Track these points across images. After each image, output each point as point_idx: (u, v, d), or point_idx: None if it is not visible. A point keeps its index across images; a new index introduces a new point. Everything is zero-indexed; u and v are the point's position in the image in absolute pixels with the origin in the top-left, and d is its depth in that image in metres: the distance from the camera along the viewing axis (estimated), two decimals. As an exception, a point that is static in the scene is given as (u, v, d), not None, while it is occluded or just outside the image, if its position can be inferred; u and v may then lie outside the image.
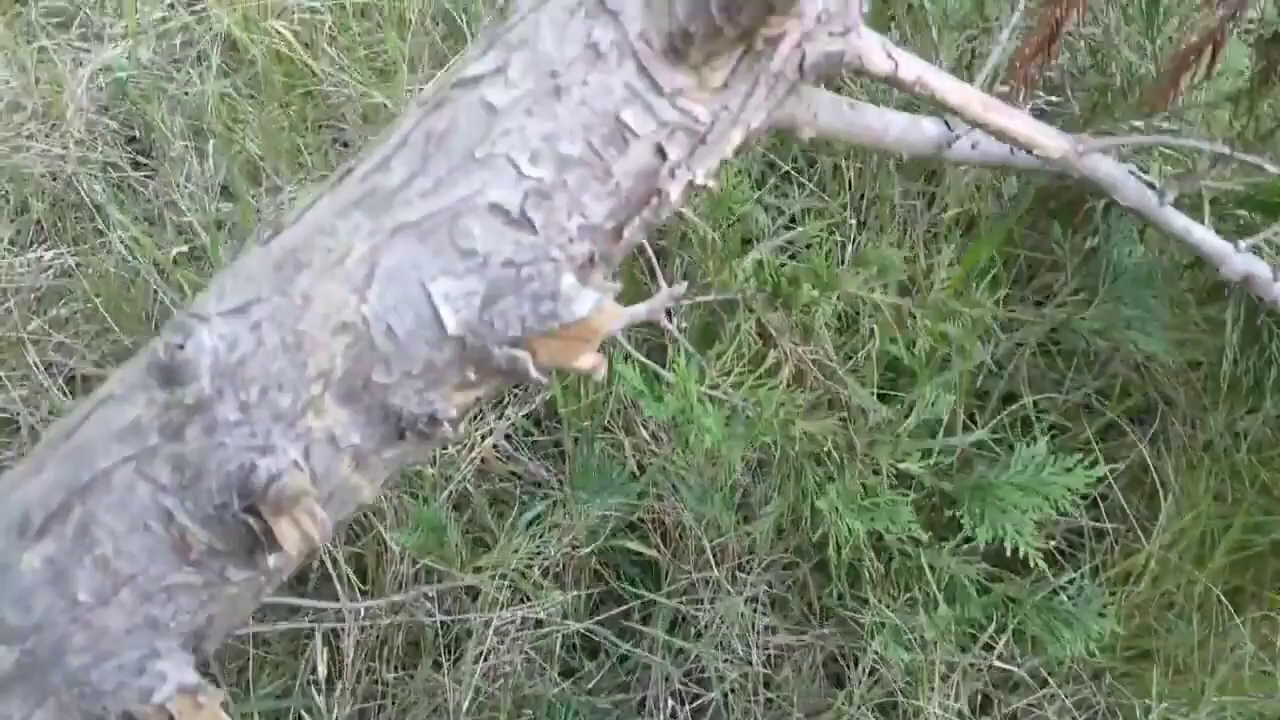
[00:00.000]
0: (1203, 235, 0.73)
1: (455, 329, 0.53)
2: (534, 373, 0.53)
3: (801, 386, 1.06)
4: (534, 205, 0.53)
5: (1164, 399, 1.20)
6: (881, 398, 1.11)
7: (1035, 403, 1.17)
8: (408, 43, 1.43)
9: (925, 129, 0.74)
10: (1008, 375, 1.18)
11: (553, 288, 0.52)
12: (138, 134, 1.57)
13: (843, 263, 1.10)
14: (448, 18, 1.41)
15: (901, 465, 0.89)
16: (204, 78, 1.56)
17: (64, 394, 1.23)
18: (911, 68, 0.59)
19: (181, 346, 0.52)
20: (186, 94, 1.57)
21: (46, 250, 1.40)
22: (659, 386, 0.87)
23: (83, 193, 1.48)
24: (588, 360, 0.54)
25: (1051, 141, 0.64)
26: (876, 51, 0.59)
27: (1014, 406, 1.15)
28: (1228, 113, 0.65)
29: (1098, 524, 1.18)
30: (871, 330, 1.04)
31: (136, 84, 1.55)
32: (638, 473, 1.17)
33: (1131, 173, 0.69)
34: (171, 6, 1.65)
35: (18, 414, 1.22)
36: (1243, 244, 0.74)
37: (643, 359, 0.95)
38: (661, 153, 0.53)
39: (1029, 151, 0.64)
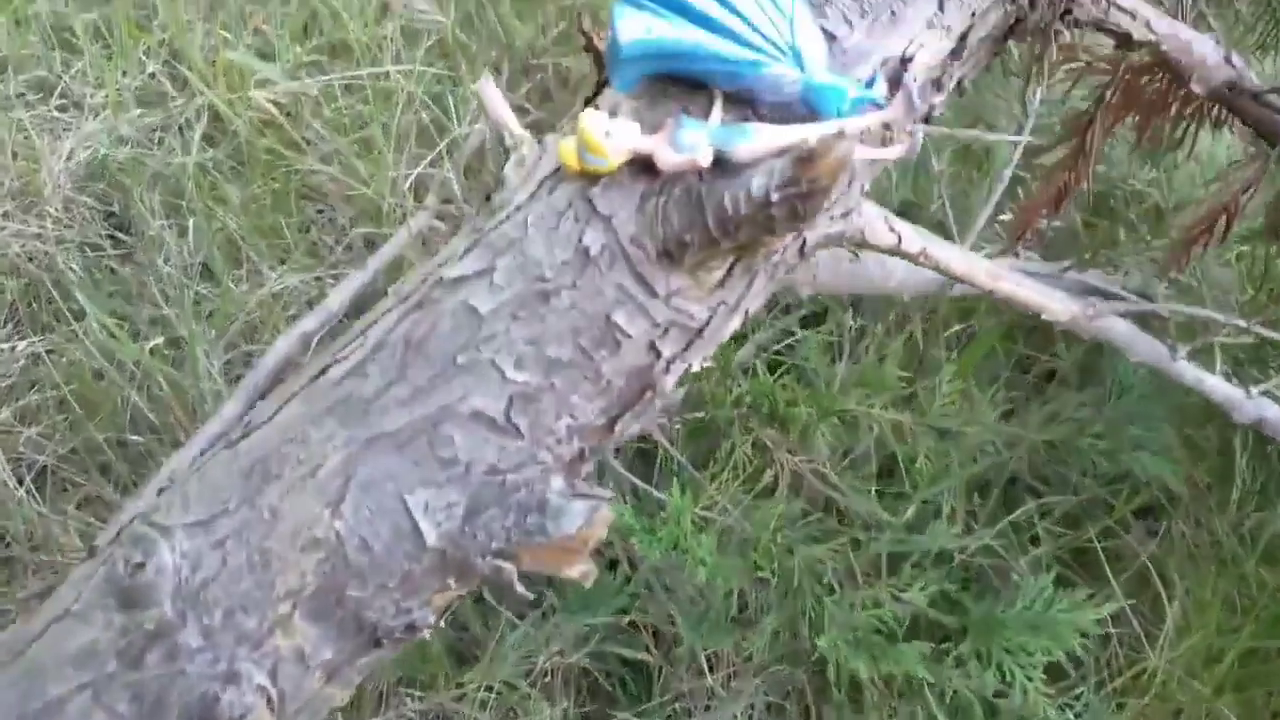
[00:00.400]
0: (1215, 384, 0.70)
1: (435, 541, 0.49)
2: (519, 587, 0.50)
3: (798, 495, 1.03)
4: (519, 410, 0.49)
5: (1169, 497, 1.18)
6: (880, 494, 1.08)
7: (1039, 500, 1.14)
8: (395, 121, 1.40)
9: (926, 272, 0.71)
10: (1010, 465, 1.15)
11: (539, 498, 0.49)
12: (117, 210, 1.53)
13: (838, 358, 1.07)
14: (438, 99, 1.38)
15: (904, 595, 0.85)
16: (187, 149, 1.53)
17: (34, 498, 1.19)
18: (914, 240, 0.57)
19: (142, 565, 0.48)
20: (168, 165, 1.53)
21: (19, 338, 1.36)
22: (650, 519, 0.84)
23: (59, 274, 1.44)
24: (577, 569, 0.51)
25: (1060, 306, 0.61)
26: (879, 226, 0.56)
27: (1017, 513, 1.11)
28: (1240, 270, 0.62)
29: (1103, 630, 1.14)
30: (870, 428, 1.01)
31: (115, 158, 1.51)
32: (630, 571, 1.14)
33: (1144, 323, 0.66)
34: (152, 76, 1.62)
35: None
36: (1254, 390, 0.71)
37: (634, 479, 0.92)
38: (655, 350, 0.50)
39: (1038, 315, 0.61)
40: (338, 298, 1.26)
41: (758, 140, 0.44)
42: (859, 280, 0.65)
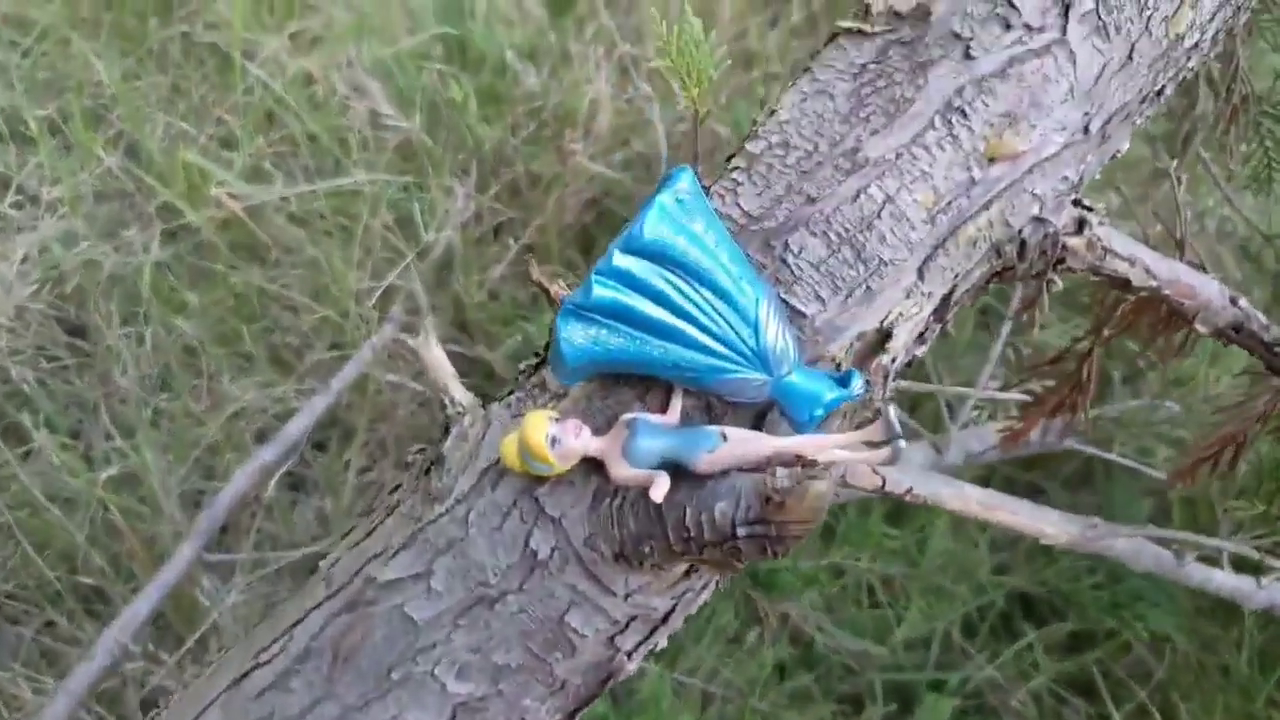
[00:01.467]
0: (1223, 581, 0.66)
1: None
2: None
3: (785, 642, 0.97)
4: (464, 722, 0.44)
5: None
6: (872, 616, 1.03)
7: (1039, 629, 1.09)
8: (359, 227, 1.34)
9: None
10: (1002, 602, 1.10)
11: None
12: (73, 314, 1.48)
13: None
14: (403, 204, 1.33)
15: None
16: (146, 248, 1.47)
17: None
18: (900, 481, 0.52)
19: None
20: (126, 266, 1.47)
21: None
22: (625, 714, 0.78)
23: (13, 386, 1.38)
24: None
25: (1058, 529, 0.56)
26: (860, 470, 0.51)
27: (1017, 644, 1.06)
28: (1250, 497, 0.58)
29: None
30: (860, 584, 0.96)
31: (71, 260, 1.45)
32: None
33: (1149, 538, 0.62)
34: (110, 174, 1.56)
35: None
36: (1264, 581, 0.67)
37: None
38: (615, 645, 0.45)
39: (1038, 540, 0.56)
40: (298, 425, 1.21)
41: (721, 453, 0.39)
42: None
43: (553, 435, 0.40)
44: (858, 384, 0.39)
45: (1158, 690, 1.12)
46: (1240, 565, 0.72)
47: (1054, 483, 1.09)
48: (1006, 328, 0.75)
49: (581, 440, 0.40)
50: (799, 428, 0.39)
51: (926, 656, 1.11)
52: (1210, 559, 0.66)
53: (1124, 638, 1.09)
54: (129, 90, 1.60)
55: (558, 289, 0.48)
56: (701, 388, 0.40)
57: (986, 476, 0.99)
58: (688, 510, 0.39)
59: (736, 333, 0.38)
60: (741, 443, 0.39)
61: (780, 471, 0.36)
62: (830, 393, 0.39)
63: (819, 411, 0.39)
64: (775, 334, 0.38)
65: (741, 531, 0.37)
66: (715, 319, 0.38)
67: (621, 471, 0.39)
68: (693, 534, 0.39)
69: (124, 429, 1.31)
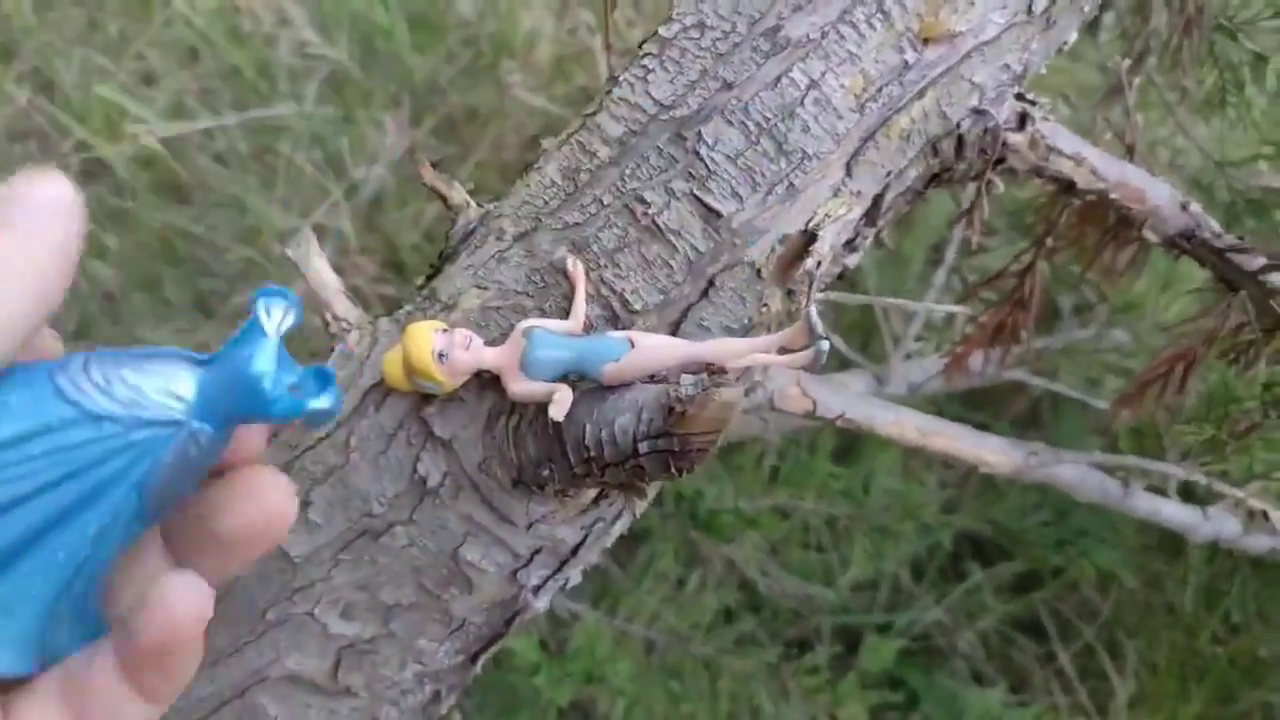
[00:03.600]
0: (1171, 512, 0.64)
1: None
2: None
3: (729, 585, 0.95)
4: (351, 666, 0.40)
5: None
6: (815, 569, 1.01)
7: (987, 569, 1.08)
8: (285, 164, 1.28)
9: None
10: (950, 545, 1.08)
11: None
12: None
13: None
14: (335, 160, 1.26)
15: (842, 714, 0.78)
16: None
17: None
18: (832, 403, 0.48)
19: None
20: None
21: None
22: (560, 654, 0.75)
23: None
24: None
25: (1000, 458, 0.54)
26: (791, 392, 0.47)
27: (960, 587, 1.05)
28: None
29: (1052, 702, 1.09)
30: (804, 525, 0.93)
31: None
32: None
33: (1096, 466, 0.59)
34: (23, 112, 1.47)
35: None
36: (1210, 511, 0.65)
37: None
38: (518, 581, 0.41)
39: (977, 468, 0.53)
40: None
41: (628, 362, 0.35)
42: (776, 420, 0.56)
43: (439, 348, 0.35)
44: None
45: (1104, 629, 1.12)
46: (1189, 498, 0.70)
47: (1002, 423, 1.07)
48: (952, 251, 0.72)
49: (472, 352, 0.35)
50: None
51: (875, 599, 1.10)
52: (1158, 490, 0.64)
53: (1071, 576, 1.08)
54: (41, 24, 1.50)
55: (458, 195, 0.44)
56: None
57: (934, 415, 0.97)
58: (588, 427, 0.35)
59: None
60: (649, 350, 0.35)
61: (686, 379, 0.32)
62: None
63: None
64: None
65: (643, 447, 0.33)
66: None
67: (518, 386, 0.35)
68: (593, 453, 0.35)
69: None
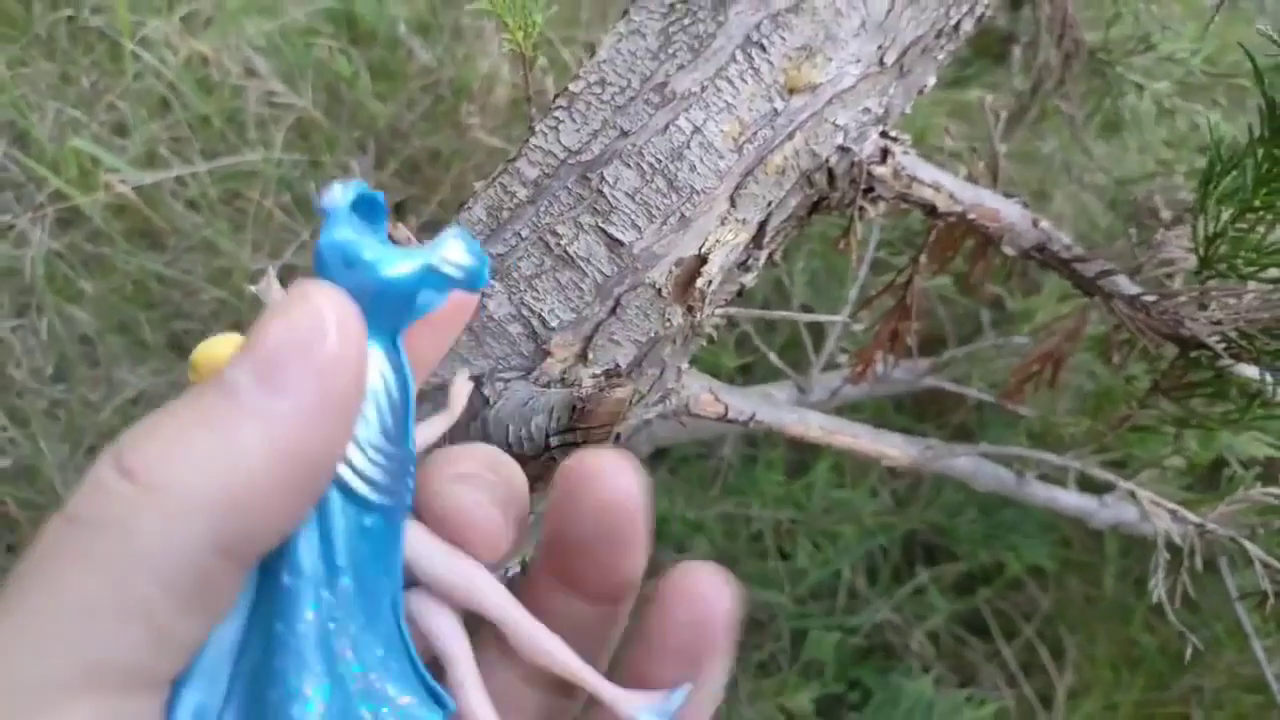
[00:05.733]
0: (1068, 500, 0.70)
1: None
2: None
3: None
4: None
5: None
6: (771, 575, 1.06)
7: (930, 569, 1.14)
8: (254, 209, 1.33)
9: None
10: (897, 546, 1.15)
11: None
12: (-37, 307, 1.44)
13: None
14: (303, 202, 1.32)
15: (790, 704, 0.83)
16: (38, 239, 1.44)
17: None
18: (743, 407, 0.54)
19: None
20: (18, 256, 1.44)
21: None
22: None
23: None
24: None
25: (897, 451, 0.60)
26: (704, 398, 0.53)
27: (908, 585, 1.11)
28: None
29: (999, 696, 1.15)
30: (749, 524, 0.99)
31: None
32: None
33: (985, 455, 0.65)
34: (2, 165, 1.52)
35: None
36: (1108, 499, 0.71)
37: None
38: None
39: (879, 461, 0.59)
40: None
41: None
42: (699, 427, 0.62)
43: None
44: None
45: (1048, 624, 1.18)
46: (1093, 489, 0.76)
47: (942, 432, 1.13)
48: (864, 269, 0.78)
49: None
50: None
51: (833, 605, 1.15)
52: (1059, 482, 0.70)
53: (1012, 574, 1.14)
54: (15, 78, 1.56)
55: (402, 234, 0.49)
56: None
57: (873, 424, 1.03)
58: (510, 428, 0.41)
59: None
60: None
61: (586, 381, 0.38)
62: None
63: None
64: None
65: (554, 441, 0.39)
66: None
67: None
68: (515, 451, 0.41)
69: (19, 421, 1.29)
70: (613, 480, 0.28)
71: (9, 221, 1.49)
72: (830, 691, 0.91)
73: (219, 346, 0.29)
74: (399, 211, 1.42)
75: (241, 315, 1.31)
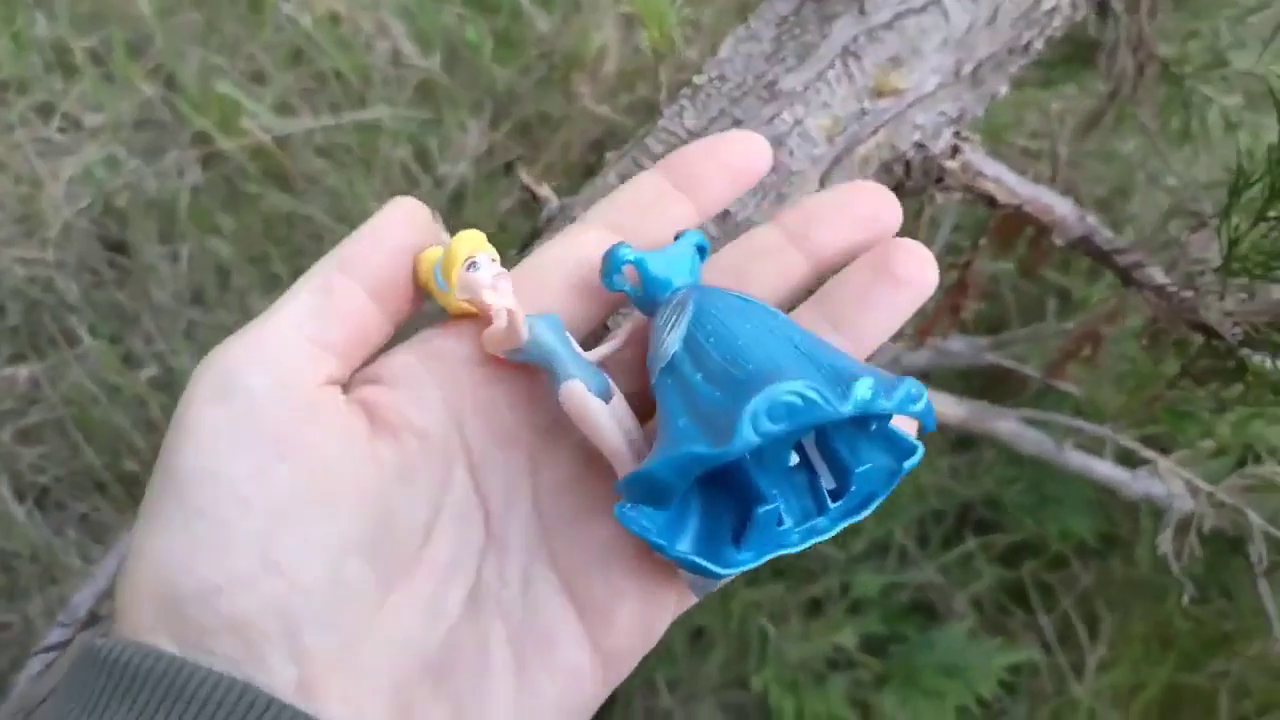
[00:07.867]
0: (1102, 470, 0.77)
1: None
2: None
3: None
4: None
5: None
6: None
7: (980, 538, 1.21)
8: (379, 158, 1.46)
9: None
10: (952, 510, 1.22)
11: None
12: (115, 232, 1.60)
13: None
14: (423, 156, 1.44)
15: (835, 639, 0.93)
16: (183, 174, 1.59)
17: (35, 518, 1.27)
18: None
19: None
20: (165, 188, 1.60)
21: (21, 361, 1.43)
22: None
23: (59, 296, 1.51)
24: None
25: (948, 409, 0.68)
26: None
27: (955, 550, 1.19)
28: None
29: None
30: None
31: (114, 183, 1.57)
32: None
33: (1030, 421, 0.73)
34: (150, 103, 1.68)
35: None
36: (1140, 472, 0.78)
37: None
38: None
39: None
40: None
41: (573, 407, 0.34)
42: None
43: (476, 259, 0.35)
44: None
45: (1085, 600, 1.25)
46: (1129, 465, 0.83)
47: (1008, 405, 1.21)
48: (936, 250, 0.86)
49: (496, 285, 0.35)
50: None
51: (883, 564, 1.24)
52: (1096, 453, 0.77)
53: (1058, 550, 1.21)
54: (167, 25, 1.71)
55: (545, 192, 0.60)
56: None
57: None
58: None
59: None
60: (592, 416, 0.34)
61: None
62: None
63: None
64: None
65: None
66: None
67: (491, 332, 0.35)
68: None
69: (162, 337, 1.45)
70: None
71: (159, 158, 1.65)
72: (873, 631, 1.00)
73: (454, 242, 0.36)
74: (508, 170, 1.53)
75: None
